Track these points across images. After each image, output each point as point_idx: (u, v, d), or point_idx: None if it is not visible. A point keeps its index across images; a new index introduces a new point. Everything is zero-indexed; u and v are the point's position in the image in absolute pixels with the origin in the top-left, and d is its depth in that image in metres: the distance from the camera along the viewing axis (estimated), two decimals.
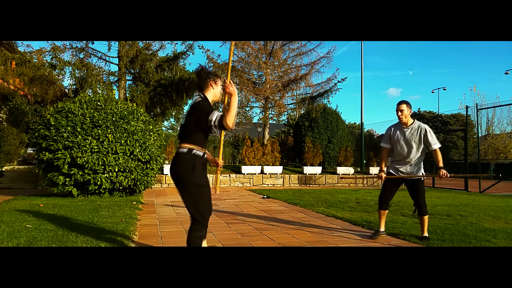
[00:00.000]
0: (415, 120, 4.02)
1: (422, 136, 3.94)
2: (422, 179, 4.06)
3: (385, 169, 4.09)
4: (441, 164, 3.88)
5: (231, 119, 2.48)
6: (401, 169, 4.03)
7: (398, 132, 4.03)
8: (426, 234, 4.02)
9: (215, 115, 2.54)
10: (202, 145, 2.68)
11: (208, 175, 2.77)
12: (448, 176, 3.78)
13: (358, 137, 16.11)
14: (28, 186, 9.66)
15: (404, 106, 3.97)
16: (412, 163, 3.99)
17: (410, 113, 4.00)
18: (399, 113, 3.99)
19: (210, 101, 2.76)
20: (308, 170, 12.70)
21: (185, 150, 2.61)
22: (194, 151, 2.60)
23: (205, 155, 2.71)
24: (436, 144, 3.93)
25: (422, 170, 4.05)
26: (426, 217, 4.00)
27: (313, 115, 14.34)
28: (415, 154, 3.97)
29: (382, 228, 4.18)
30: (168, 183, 10.99)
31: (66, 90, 13.02)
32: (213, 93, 2.76)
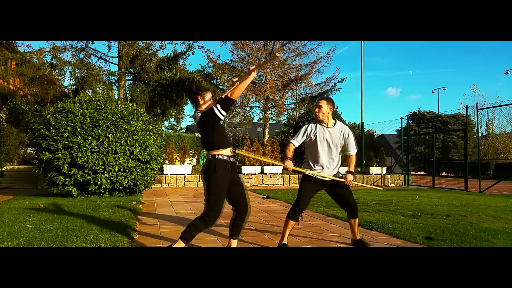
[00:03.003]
0: (337, 121, 3.70)
1: (344, 138, 3.69)
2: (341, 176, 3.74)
3: (291, 157, 3.70)
4: (352, 169, 3.74)
5: (239, 92, 2.81)
6: (320, 172, 3.66)
7: (320, 131, 3.62)
8: (358, 236, 3.83)
9: (218, 104, 2.84)
10: (225, 146, 2.96)
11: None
12: (351, 182, 3.64)
13: (358, 137, 16.10)
14: (28, 186, 9.66)
15: (323, 102, 3.57)
16: (333, 166, 3.68)
17: (331, 112, 3.60)
18: (316, 109, 3.59)
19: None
20: None
21: (210, 156, 2.96)
22: (217, 156, 2.92)
23: (230, 158, 2.99)
24: (354, 149, 3.76)
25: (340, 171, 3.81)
26: (357, 220, 3.77)
27: (313, 115, 14.33)
28: (336, 156, 3.71)
29: (286, 241, 3.73)
30: (168, 183, 10.99)
31: (66, 90, 13.02)
32: (206, 106, 3.01)
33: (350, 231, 3.90)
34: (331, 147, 3.65)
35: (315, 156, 3.66)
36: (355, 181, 12.94)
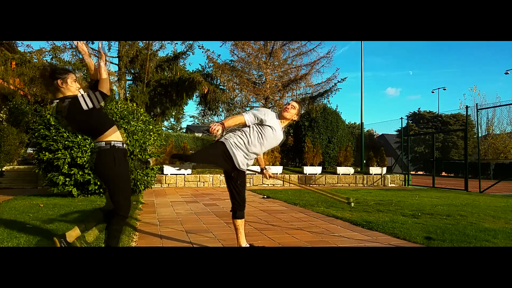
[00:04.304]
0: None
1: (280, 142, 3.52)
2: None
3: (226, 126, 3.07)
4: (264, 164, 3.62)
5: (106, 85, 2.48)
6: (248, 162, 3.29)
7: (276, 125, 3.25)
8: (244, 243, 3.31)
9: (87, 97, 2.49)
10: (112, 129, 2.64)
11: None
12: (271, 175, 3.61)
13: (358, 137, 16.12)
14: (28, 186, 9.66)
15: (298, 106, 3.35)
16: (252, 160, 3.35)
17: (296, 119, 3.37)
18: (289, 106, 3.31)
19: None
20: (308, 170, 12.70)
21: (102, 145, 2.61)
22: (113, 143, 2.63)
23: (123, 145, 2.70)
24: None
25: None
26: (243, 223, 3.32)
27: (313, 115, 14.34)
28: (261, 154, 3.43)
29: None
30: (168, 183, 10.99)
31: None
32: (70, 91, 2.59)
33: (350, 230, 3.90)
34: (270, 143, 3.30)
35: (255, 143, 3.19)
36: (355, 180, 12.95)
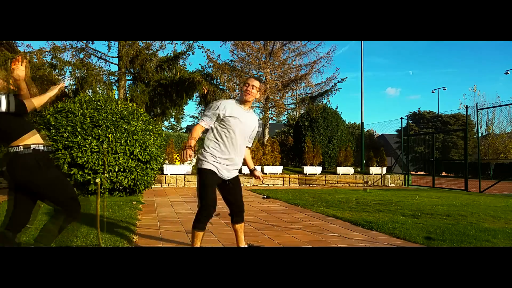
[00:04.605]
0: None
1: (255, 126, 3.06)
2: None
3: (192, 144, 2.74)
4: (253, 165, 3.26)
5: (31, 106, 2.37)
6: (230, 169, 2.94)
7: (238, 112, 2.87)
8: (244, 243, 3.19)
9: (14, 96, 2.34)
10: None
11: None
12: (261, 177, 3.28)
13: (358, 137, 16.12)
14: None
15: (258, 83, 2.92)
16: (238, 162, 2.99)
17: (258, 97, 3.00)
18: (249, 88, 2.89)
19: None
20: (308, 170, 12.70)
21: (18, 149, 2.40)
22: (33, 146, 2.45)
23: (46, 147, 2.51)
24: (250, 142, 3.12)
25: None
26: (243, 225, 3.19)
27: (313, 115, 14.34)
28: (244, 151, 3.01)
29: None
30: (168, 183, 10.99)
31: (66, 90, 13.02)
32: None
33: (350, 230, 3.89)
34: (248, 134, 3.00)
35: (225, 142, 2.85)
36: (355, 180, 12.94)
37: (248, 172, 3.33)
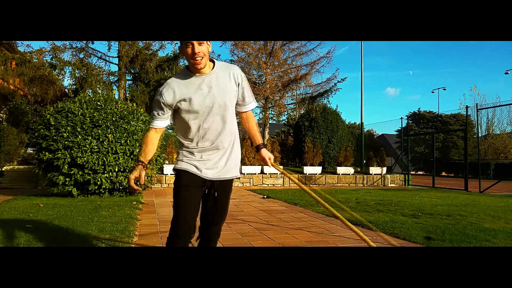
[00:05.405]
0: (216, 61, 2.17)
1: (232, 83, 2.13)
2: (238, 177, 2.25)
3: (143, 158, 2.07)
4: (260, 140, 2.30)
5: None
6: (210, 163, 2.08)
7: (190, 87, 2.02)
8: None
9: None
10: None
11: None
12: (271, 162, 2.29)
13: (358, 137, 16.11)
14: (28, 186, 9.66)
15: (196, 42, 1.94)
16: (226, 146, 2.11)
17: (208, 52, 2.02)
18: (194, 55, 1.94)
19: None
20: (308, 170, 12.70)
21: None
22: None
23: None
24: (253, 102, 2.26)
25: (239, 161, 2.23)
26: None
27: (313, 115, 14.34)
28: (230, 125, 2.11)
29: None
30: (168, 183, 10.99)
31: (66, 90, 13.01)
32: None
33: (350, 231, 3.86)
34: (222, 106, 2.05)
35: (191, 132, 2.08)
36: (355, 181, 12.91)
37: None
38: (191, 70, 2.07)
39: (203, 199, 2.15)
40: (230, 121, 2.11)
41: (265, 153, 2.29)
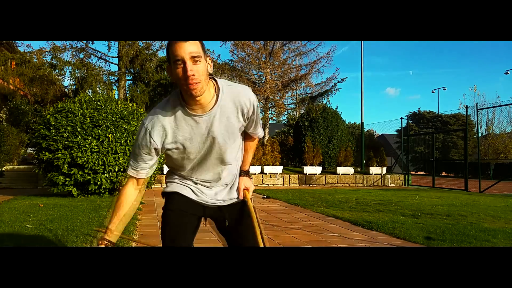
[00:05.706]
0: (220, 83, 1.57)
1: (246, 119, 1.62)
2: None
3: (114, 227, 1.64)
4: (247, 168, 1.83)
5: None
6: (210, 191, 1.69)
7: (182, 130, 1.52)
8: None
9: None
10: None
11: None
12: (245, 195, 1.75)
13: (358, 137, 16.11)
14: (28, 186, 9.66)
15: (196, 49, 1.51)
16: (229, 181, 1.72)
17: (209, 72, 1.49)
18: (186, 71, 1.42)
19: None
20: (308, 170, 12.70)
21: None
22: None
23: None
24: (261, 132, 1.76)
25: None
26: None
27: (313, 115, 14.35)
28: (233, 163, 1.69)
29: None
30: None
31: (66, 90, 13.03)
32: None
33: (350, 230, 3.88)
34: (221, 149, 1.60)
35: (186, 169, 1.66)
36: (355, 180, 12.91)
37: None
38: (184, 99, 1.50)
39: (226, 237, 1.77)
40: (232, 158, 1.66)
41: (245, 181, 1.75)
